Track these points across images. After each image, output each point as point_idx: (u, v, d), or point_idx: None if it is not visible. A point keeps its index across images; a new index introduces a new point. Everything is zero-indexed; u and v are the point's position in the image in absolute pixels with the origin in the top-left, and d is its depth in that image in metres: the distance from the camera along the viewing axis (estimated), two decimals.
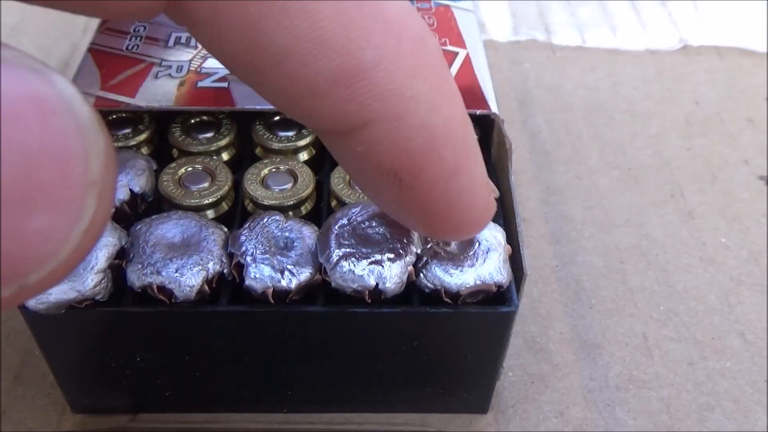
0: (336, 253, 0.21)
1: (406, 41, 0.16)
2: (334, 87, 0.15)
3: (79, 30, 0.27)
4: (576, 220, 0.32)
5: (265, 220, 0.22)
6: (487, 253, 0.21)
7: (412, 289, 0.21)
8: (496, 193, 0.19)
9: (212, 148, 0.25)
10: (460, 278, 0.21)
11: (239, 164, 0.25)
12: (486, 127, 0.26)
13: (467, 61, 0.26)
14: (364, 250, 0.21)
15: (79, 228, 0.11)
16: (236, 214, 0.24)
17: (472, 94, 0.24)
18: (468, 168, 0.17)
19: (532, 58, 0.40)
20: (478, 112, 0.23)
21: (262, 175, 0.24)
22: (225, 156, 0.25)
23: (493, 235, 0.22)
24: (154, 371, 0.23)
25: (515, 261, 0.22)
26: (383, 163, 0.17)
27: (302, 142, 0.25)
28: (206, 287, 0.21)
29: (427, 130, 0.16)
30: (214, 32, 0.15)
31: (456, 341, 0.22)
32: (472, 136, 0.18)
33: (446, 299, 0.21)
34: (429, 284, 0.21)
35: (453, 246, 0.22)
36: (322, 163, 0.26)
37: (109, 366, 0.22)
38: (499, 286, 0.21)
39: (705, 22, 0.43)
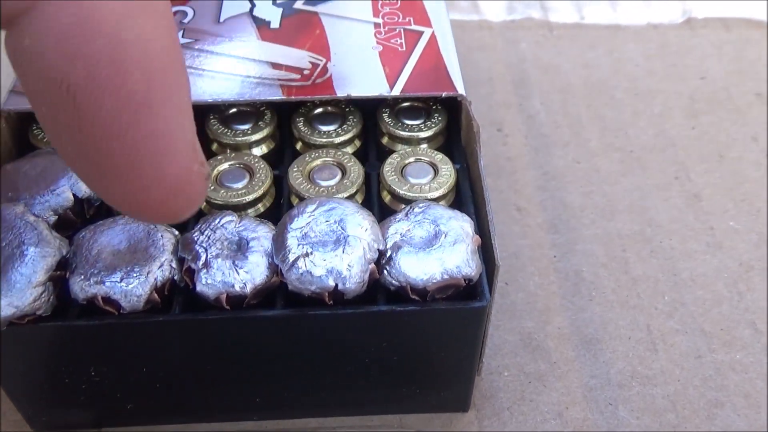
0: (292, 254, 0.19)
1: None
2: None
3: None
4: (575, 207, 0.30)
5: (218, 220, 0.20)
6: (453, 245, 0.20)
7: (376, 287, 0.20)
8: (207, 172, 0.16)
9: None
10: (426, 273, 0.19)
11: None
12: (454, 110, 0.24)
13: (432, 40, 0.24)
14: (321, 249, 0.19)
15: None
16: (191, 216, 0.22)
17: (436, 75, 0.22)
18: (166, 112, 0.14)
19: (528, 37, 0.38)
20: (444, 94, 0.22)
21: (216, 172, 0.23)
22: None
23: (459, 225, 0.20)
24: (111, 384, 0.21)
25: (487, 252, 0.20)
26: (53, 66, 0.13)
27: (258, 136, 0.24)
28: (155, 295, 0.19)
29: (111, 32, 0.13)
30: None
31: (427, 340, 0.21)
32: (181, 80, 0.14)
33: (413, 296, 0.20)
34: (394, 281, 0.20)
35: (418, 239, 0.20)
36: (281, 156, 0.24)
37: (62, 381, 0.21)
38: (468, 280, 0.20)
39: None
